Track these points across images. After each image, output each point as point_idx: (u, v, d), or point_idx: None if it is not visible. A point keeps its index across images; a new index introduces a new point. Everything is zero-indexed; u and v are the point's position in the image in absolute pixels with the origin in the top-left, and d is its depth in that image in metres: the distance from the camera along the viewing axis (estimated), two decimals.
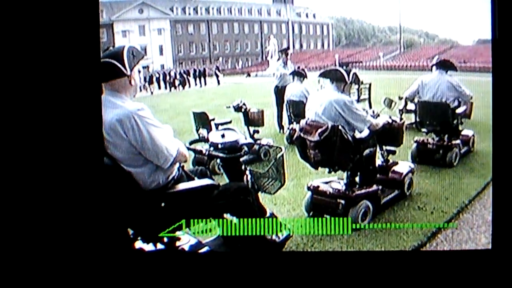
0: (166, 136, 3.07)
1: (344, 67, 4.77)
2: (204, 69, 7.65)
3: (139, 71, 3.21)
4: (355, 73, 4.67)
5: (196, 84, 7.75)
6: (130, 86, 3.10)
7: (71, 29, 3.54)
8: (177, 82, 7.44)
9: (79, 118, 3.51)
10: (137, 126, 2.95)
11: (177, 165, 3.26)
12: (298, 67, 8.18)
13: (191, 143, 3.94)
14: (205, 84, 7.75)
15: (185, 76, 7.55)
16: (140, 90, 3.26)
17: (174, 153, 3.09)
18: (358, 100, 8.55)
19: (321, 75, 4.74)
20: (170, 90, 7.48)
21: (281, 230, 3.79)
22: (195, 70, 7.61)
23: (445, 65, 6.18)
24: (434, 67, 6.20)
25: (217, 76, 7.81)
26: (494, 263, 3.56)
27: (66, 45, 3.54)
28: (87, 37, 3.54)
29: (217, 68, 7.84)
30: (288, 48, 8.21)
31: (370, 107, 8.42)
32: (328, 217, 4.49)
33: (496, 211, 3.59)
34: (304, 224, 4.36)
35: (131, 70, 3.08)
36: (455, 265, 3.62)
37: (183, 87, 7.59)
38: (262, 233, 3.68)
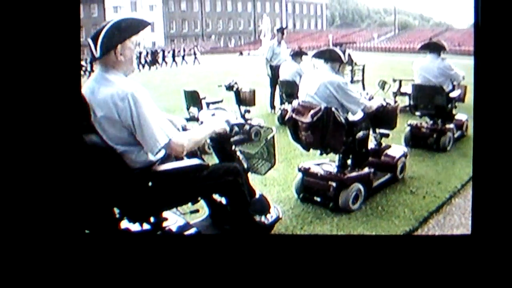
0: (160, 122, 2.97)
1: (339, 47, 4.70)
2: (184, 49, 7.57)
3: (137, 45, 3.12)
4: (349, 54, 4.61)
5: (171, 63, 7.67)
6: (118, 61, 2.99)
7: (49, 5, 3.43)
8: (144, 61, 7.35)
9: (60, 95, 3.41)
10: (129, 108, 2.85)
11: None
12: (300, 49, 8.10)
13: None
14: (182, 63, 7.67)
15: (159, 55, 7.46)
16: (138, 68, 3.17)
17: (163, 142, 2.97)
18: (352, 82, 8.51)
19: (315, 55, 4.67)
20: (141, 69, 7.37)
21: (269, 212, 3.73)
22: (168, 51, 7.52)
23: (435, 48, 6.13)
24: (428, 52, 6.15)
25: (195, 55, 7.73)
26: (473, 249, 3.53)
27: (44, 21, 3.43)
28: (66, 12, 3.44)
29: (196, 47, 7.75)
30: (286, 27, 8.15)
31: (364, 89, 8.40)
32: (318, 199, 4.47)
33: (476, 196, 3.56)
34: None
35: (107, 51, 2.95)
36: (437, 251, 3.59)
37: (150, 67, 7.48)
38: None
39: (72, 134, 3.29)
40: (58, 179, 3.41)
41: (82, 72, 4.50)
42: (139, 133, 2.90)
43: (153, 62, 7.44)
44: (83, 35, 3.44)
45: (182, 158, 3.29)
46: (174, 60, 7.47)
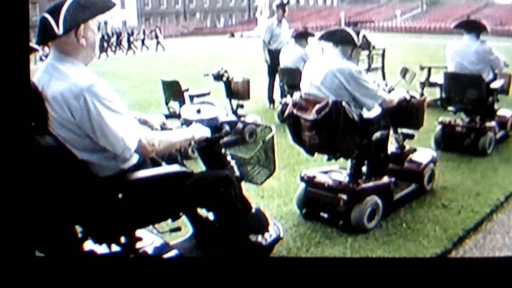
0: (126, 121, 2.96)
1: (352, 27, 4.68)
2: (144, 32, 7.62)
3: (98, 28, 3.10)
4: (364, 36, 4.58)
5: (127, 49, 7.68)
6: (80, 46, 2.98)
7: None
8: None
9: (5, 85, 3.39)
10: (86, 108, 2.83)
11: None
12: (305, 29, 8.09)
13: None
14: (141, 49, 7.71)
15: (112, 39, 7.49)
16: (100, 54, 3.14)
17: (133, 146, 2.97)
18: (369, 69, 8.54)
19: (323, 37, 4.64)
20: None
21: (268, 230, 3.73)
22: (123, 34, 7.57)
23: (473, 28, 6.12)
24: (464, 33, 6.15)
25: (157, 38, 7.74)
26: None
27: None
28: None
29: (159, 28, 7.78)
30: (287, 3, 8.13)
31: (384, 78, 8.43)
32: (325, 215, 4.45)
33: None
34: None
35: (70, 29, 2.93)
36: (475, 276, 3.59)
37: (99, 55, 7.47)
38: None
39: (21, 135, 3.29)
40: (3, 189, 3.40)
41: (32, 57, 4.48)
42: (100, 137, 2.89)
43: (102, 48, 7.45)
44: (36, 13, 3.40)
45: (160, 164, 3.30)
46: (129, 46, 7.46)
